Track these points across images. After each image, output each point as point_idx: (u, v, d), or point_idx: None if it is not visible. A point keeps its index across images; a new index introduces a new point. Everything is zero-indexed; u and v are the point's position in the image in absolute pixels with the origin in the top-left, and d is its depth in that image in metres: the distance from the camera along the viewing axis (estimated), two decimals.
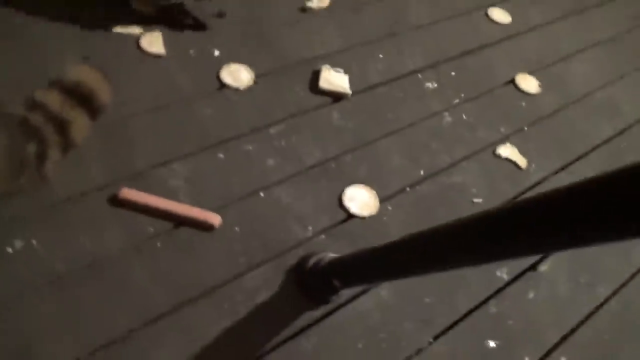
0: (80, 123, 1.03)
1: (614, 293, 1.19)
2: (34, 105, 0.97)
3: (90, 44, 1.21)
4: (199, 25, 1.34)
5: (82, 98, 1.03)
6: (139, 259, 0.95)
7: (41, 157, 0.94)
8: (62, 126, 0.98)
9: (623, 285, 1.22)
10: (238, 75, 1.28)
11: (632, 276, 1.24)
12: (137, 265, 0.94)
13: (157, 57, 1.25)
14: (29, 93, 0.97)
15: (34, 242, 0.92)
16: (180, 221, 1.02)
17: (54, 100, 0.98)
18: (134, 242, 0.97)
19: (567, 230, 0.51)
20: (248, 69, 1.30)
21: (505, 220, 0.61)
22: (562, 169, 1.40)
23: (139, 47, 1.24)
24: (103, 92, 1.07)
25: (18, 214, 0.94)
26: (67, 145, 1.00)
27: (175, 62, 1.25)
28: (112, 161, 1.06)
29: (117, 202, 1.00)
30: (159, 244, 0.98)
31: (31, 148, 0.92)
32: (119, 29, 1.26)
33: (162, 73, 1.23)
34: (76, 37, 1.21)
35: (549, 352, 1.06)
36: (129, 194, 1.01)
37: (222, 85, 1.26)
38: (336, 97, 1.33)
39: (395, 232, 1.13)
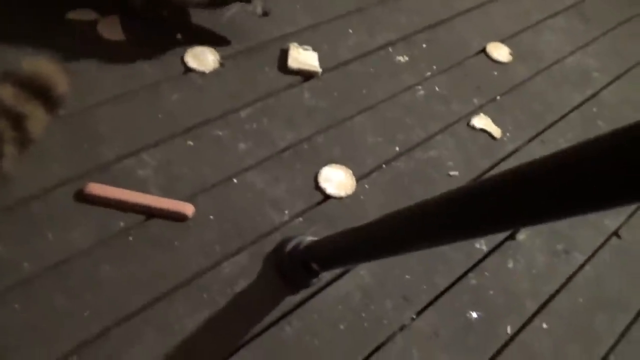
0: (37, 116, 0.98)
1: (588, 259, 1.21)
2: None
3: (43, 32, 1.14)
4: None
5: (38, 90, 0.98)
6: (110, 255, 0.92)
7: None
8: (17, 121, 0.93)
9: (596, 251, 1.23)
10: (203, 59, 1.23)
11: (604, 242, 1.26)
12: (109, 262, 0.91)
13: (116, 43, 1.19)
14: None
15: None
16: (152, 213, 0.98)
17: (7, 94, 0.93)
18: (104, 238, 0.93)
19: (545, 203, 0.51)
20: (213, 51, 1.25)
21: (482, 196, 0.60)
22: (536, 137, 1.41)
23: (95, 33, 1.19)
24: (60, 83, 1.02)
25: None
26: (24, 140, 0.95)
27: (136, 48, 1.20)
28: (76, 154, 1.02)
29: (84, 197, 0.96)
30: (130, 238, 0.95)
31: None
32: (72, 16, 1.19)
33: (123, 60, 1.17)
34: (28, 26, 1.14)
35: (529, 320, 1.08)
36: (96, 188, 0.97)
37: (187, 70, 1.21)
38: (306, 76, 1.30)
39: (373, 210, 1.12)
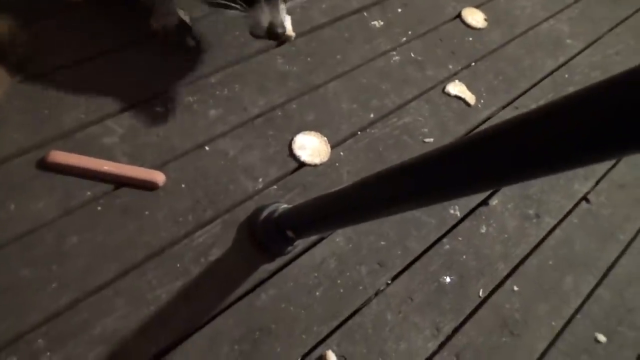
0: None
1: (558, 223, 1.23)
2: None
3: None
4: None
5: None
6: (77, 226, 0.89)
7: None
8: None
9: (566, 215, 1.26)
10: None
11: (574, 207, 1.28)
12: (76, 232, 0.88)
13: (75, 3, 1.12)
14: None
15: None
16: (121, 182, 0.95)
17: None
18: (70, 207, 0.90)
19: (516, 162, 0.51)
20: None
21: (453, 157, 0.59)
22: (509, 104, 1.41)
23: None
24: (19, 45, 0.96)
25: None
26: None
27: (97, 9, 1.13)
28: (37, 121, 0.97)
29: (47, 165, 0.92)
30: (98, 208, 0.92)
31: None
32: None
33: (84, 21, 1.11)
34: None
35: (501, 283, 1.10)
36: (60, 156, 0.93)
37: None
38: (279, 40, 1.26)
39: (348, 177, 1.11)
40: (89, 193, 0.92)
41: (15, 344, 0.77)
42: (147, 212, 0.94)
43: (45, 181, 0.91)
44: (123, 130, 1.01)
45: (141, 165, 0.97)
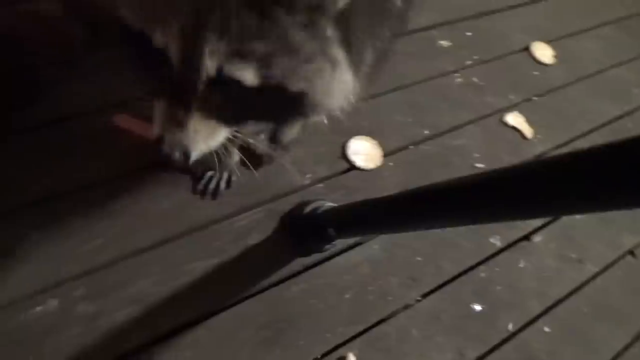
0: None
1: (600, 272, 1.19)
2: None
3: None
4: None
5: None
6: (130, 188, 0.92)
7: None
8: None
9: (609, 266, 1.22)
10: None
11: (618, 258, 1.24)
12: (127, 194, 0.92)
13: None
14: None
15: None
16: None
17: None
18: (126, 171, 0.93)
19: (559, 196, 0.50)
20: None
21: (501, 183, 0.59)
22: (565, 144, 1.38)
23: None
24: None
25: None
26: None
27: None
28: (117, 81, 1.00)
29: (114, 127, 0.96)
30: (152, 176, 0.95)
31: None
32: None
33: None
34: None
35: (532, 321, 1.07)
36: (126, 121, 0.96)
37: None
38: None
39: (393, 188, 1.11)
40: (145, 160, 0.96)
41: (57, 289, 0.80)
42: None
43: (108, 141, 0.95)
44: None
45: None
